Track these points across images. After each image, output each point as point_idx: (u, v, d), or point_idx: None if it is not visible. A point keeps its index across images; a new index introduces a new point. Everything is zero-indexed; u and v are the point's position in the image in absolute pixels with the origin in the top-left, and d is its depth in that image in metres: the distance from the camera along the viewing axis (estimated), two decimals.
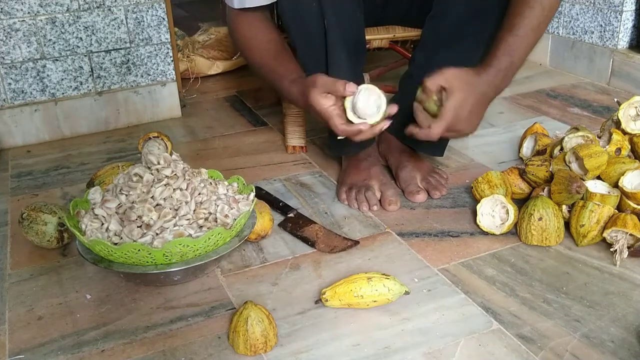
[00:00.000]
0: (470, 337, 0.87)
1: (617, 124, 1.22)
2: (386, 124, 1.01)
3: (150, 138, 1.41)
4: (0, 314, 0.97)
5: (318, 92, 1.00)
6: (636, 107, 1.20)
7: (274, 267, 1.05)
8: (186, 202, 0.98)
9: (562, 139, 1.20)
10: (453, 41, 1.18)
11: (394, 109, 1.00)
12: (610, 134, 1.19)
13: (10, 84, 1.55)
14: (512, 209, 1.09)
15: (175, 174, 1.01)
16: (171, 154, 1.05)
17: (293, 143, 1.49)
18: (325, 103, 1.00)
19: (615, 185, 1.10)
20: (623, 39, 1.82)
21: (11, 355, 0.88)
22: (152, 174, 1.00)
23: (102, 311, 0.96)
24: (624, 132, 1.20)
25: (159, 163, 1.01)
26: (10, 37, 1.51)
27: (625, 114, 1.20)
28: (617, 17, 1.80)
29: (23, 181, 1.42)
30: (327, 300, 0.93)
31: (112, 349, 0.88)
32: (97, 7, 1.57)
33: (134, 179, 1.00)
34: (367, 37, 1.29)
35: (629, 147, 1.19)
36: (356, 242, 1.10)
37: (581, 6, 1.90)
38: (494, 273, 1.01)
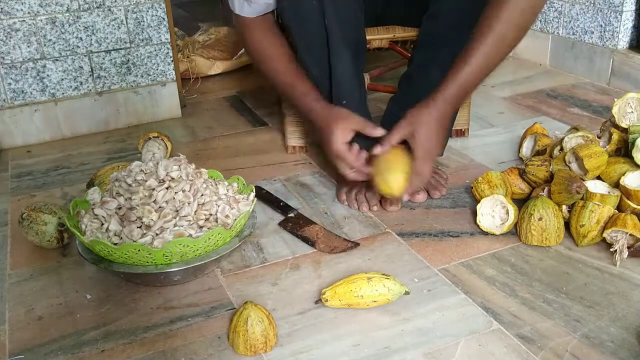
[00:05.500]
0: (470, 337, 0.87)
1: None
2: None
3: (150, 138, 1.41)
4: (0, 314, 0.97)
5: (344, 127, 1.09)
6: (630, 104, 1.19)
7: (274, 267, 1.05)
8: (189, 203, 0.98)
9: (562, 139, 1.20)
10: (449, 41, 1.17)
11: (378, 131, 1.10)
12: (610, 134, 1.19)
13: (10, 84, 1.55)
14: (512, 209, 1.09)
15: (181, 176, 1.01)
16: (170, 156, 1.05)
17: (293, 143, 1.49)
18: (345, 137, 1.10)
19: (616, 185, 1.10)
20: (623, 39, 1.82)
21: (11, 355, 0.88)
22: (156, 180, 1.00)
23: (102, 311, 0.96)
24: (618, 127, 1.19)
25: (169, 175, 1.01)
26: (10, 37, 1.51)
27: (620, 110, 1.19)
28: (617, 17, 1.80)
29: (23, 181, 1.42)
30: (327, 301, 0.93)
31: (112, 349, 0.88)
32: (97, 7, 1.57)
33: (133, 185, 1.00)
34: (367, 37, 1.29)
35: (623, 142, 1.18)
36: (356, 244, 1.10)
37: (581, 6, 1.90)
38: (494, 273, 1.01)
